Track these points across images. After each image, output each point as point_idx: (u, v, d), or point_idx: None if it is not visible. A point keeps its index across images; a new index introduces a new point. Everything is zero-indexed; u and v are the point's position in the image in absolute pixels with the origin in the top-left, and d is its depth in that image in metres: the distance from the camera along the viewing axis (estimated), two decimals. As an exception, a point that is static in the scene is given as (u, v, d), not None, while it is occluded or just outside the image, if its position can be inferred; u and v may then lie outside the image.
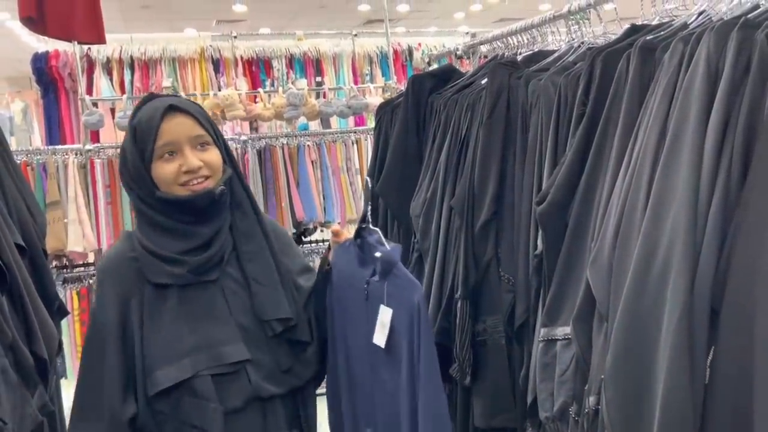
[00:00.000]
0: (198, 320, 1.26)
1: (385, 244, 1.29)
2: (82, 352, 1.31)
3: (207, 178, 1.28)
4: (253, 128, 5.19)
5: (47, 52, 4.89)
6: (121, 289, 1.27)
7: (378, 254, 1.28)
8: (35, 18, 3.31)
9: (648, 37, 1.21)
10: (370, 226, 1.35)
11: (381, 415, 1.32)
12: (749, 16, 1.02)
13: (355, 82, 5.46)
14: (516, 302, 1.53)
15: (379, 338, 1.26)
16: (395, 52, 5.80)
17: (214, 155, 1.29)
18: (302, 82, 5.05)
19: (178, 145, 1.26)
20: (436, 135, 1.94)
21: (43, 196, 3.48)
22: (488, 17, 8.99)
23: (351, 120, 5.03)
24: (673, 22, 1.26)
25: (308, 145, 3.94)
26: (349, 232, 1.51)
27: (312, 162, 3.93)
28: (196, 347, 1.24)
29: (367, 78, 5.55)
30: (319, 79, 5.50)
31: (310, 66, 5.66)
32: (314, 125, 4.77)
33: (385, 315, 1.25)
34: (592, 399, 1.16)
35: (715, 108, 0.98)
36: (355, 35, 5.67)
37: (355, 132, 4.22)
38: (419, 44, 5.71)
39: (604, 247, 1.14)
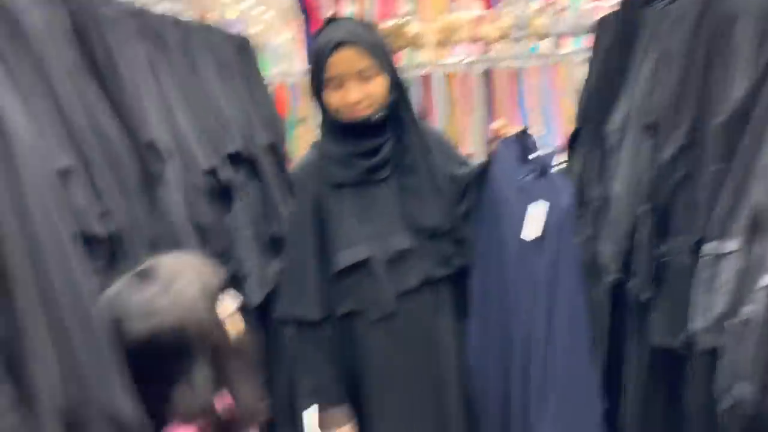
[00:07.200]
0: (369, 214, 1.50)
1: (540, 148, 1.38)
2: (286, 245, 1.64)
3: (368, 106, 1.47)
4: (486, 51, 5.24)
5: (305, -19, 5.42)
6: (311, 191, 1.54)
7: (532, 156, 1.38)
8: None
9: None
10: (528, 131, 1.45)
11: (525, 308, 1.44)
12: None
13: (595, -1, 5.15)
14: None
15: (531, 232, 1.38)
16: (643, -36, 5.31)
17: (377, 86, 1.46)
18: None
19: (343, 79, 1.44)
20: (641, 50, 1.89)
21: (295, 114, 4.07)
22: None
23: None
24: None
25: (531, 68, 3.93)
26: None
27: (534, 84, 3.93)
28: (369, 236, 1.48)
29: (608, -6, 5.22)
30: (556, -3, 5.30)
31: (548, -16, 5.47)
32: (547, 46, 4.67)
33: (539, 209, 1.36)
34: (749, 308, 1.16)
35: None
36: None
37: (585, 52, 4.06)
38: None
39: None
